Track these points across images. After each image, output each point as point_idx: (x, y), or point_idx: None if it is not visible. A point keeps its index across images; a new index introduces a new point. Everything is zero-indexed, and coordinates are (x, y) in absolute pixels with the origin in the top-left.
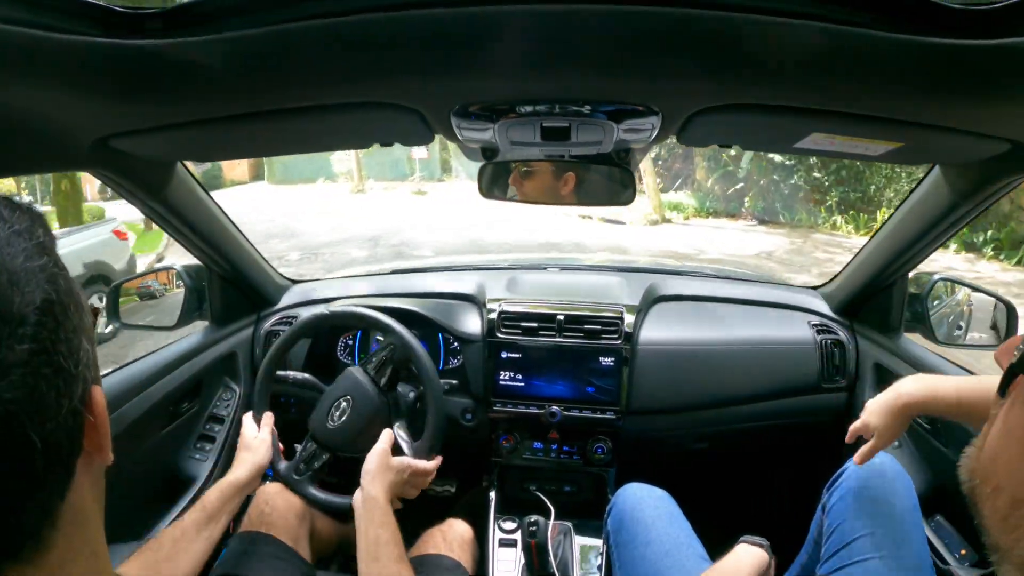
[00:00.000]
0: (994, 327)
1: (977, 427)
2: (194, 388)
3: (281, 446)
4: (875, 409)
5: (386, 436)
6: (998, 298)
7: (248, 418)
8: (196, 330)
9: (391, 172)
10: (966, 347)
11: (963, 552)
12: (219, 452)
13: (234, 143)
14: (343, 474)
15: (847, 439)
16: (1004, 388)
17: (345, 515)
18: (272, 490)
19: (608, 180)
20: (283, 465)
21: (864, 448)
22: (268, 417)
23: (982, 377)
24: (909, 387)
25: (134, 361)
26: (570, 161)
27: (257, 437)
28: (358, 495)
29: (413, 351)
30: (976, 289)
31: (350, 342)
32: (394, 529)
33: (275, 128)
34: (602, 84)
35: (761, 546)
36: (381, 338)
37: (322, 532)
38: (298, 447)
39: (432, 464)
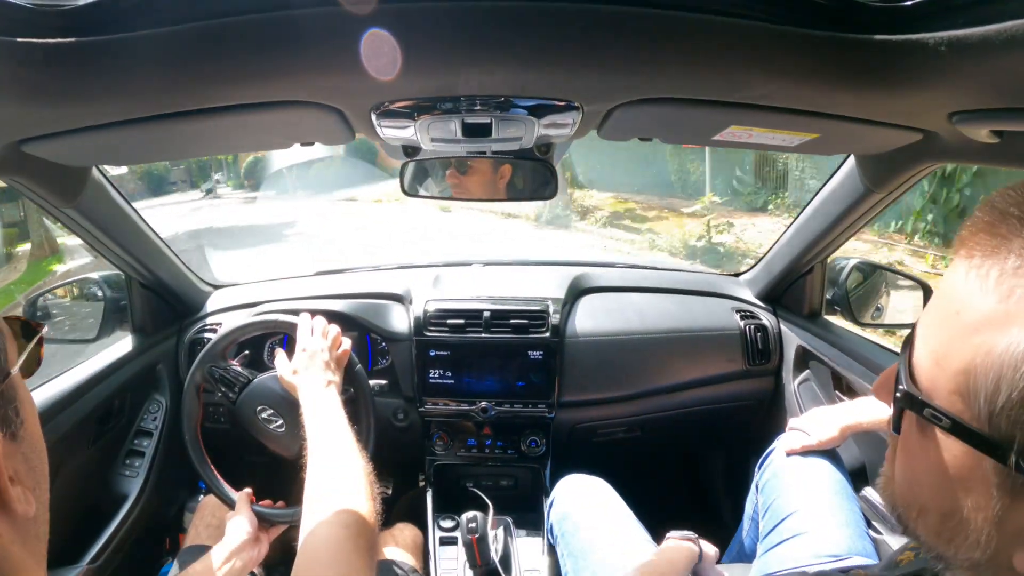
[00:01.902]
0: (910, 306)
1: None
2: (119, 402)
3: (251, 493)
4: (818, 423)
5: (278, 358)
6: (914, 279)
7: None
8: (117, 341)
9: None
10: (884, 327)
11: (893, 521)
12: (149, 467)
13: (153, 145)
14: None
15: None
16: (897, 425)
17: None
18: (216, 502)
19: (531, 175)
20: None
21: (801, 446)
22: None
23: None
24: (847, 416)
25: (55, 377)
26: (492, 157)
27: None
28: None
29: None
30: (893, 271)
31: (277, 346)
32: (326, 421)
33: (194, 129)
34: (523, 80)
35: (689, 539)
36: None
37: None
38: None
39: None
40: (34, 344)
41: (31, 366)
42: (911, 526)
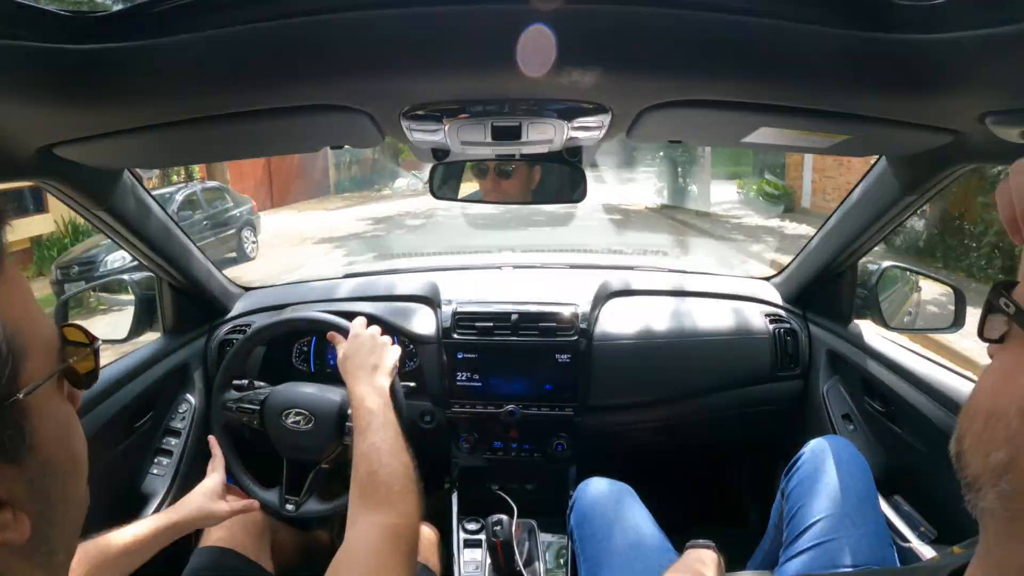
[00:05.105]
0: (942, 311)
1: None
2: (148, 402)
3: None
4: None
5: (341, 347)
6: (946, 283)
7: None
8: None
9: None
10: (916, 331)
11: (922, 529)
12: (177, 466)
13: (183, 149)
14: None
15: None
16: (981, 329)
17: (306, 522)
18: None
19: (560, 178)
20: (270, 495)
21: None
22: (217, 462)
23: None
24: None
25: None
26: (521, 160)
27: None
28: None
29: None
30: (925, 275)
31: (305, 348)
32: (388, 432)
33: (224, 133)
34: (553, 83)
35: (709, 547)
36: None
37: (284, 543)
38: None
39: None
40: (82, 359)
41: (85, 378)
42: (961, 447)
